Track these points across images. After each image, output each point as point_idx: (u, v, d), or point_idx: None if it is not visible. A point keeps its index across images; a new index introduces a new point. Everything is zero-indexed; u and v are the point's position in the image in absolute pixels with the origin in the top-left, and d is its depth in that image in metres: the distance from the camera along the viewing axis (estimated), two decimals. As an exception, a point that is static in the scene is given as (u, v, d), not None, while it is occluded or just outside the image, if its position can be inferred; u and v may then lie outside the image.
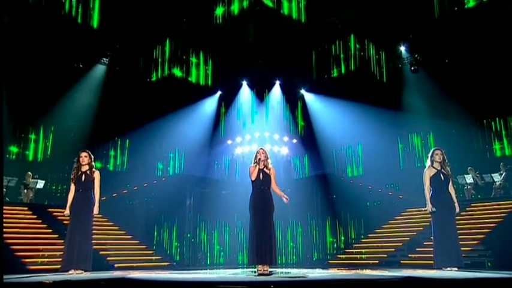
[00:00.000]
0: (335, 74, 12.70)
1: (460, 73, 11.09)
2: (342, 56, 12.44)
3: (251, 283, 4.03)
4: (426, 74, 12.00)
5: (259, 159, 5.82)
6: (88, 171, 6.01)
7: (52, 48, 10.59)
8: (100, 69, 12.25)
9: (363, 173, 13.48)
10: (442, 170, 6.04)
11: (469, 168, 10.68)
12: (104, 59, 12.19)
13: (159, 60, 12.41)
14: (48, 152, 12.08)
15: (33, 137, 11.97)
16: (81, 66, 11.76)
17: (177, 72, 12.59)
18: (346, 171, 13.89)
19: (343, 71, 12.52)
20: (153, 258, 9.75)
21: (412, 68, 12.14)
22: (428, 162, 6.17)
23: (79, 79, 11.82)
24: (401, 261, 8.81)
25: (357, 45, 12.25)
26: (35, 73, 10.46)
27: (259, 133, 14.36)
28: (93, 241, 6.13)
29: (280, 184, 6.14)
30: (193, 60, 12.88)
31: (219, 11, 11.46)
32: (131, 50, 12.16)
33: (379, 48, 12.38)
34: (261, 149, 5.99)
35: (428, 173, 6.06)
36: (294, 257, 12.22)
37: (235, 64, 12.90)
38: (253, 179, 5.81)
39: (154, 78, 12.54)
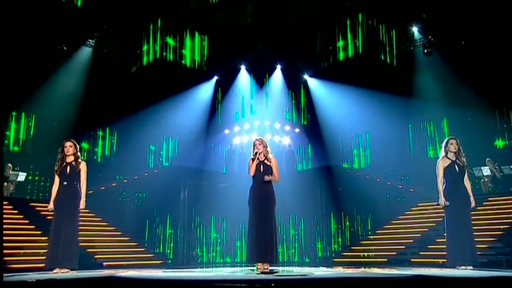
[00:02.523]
0: (341, 57, 12.61)
1: (477, 56, 11.01)
2: (349, 37, 12.34)
3: (251, 281, 4.04)
4: (440, 57, 11.92)
5: (256, 152, 5.77)
6: (73, 162, 5.98)
7: (33, 29, 10.48)
8: (86, 52, 12.14)
9: (370, 165, 13.49)
10: (457, 160, 6.03)
11: (487, 159, 10.66)
12: (90, 40, 12.09)
13: (151, 41, 12.31)
14: (30, 142, 12.06)
15: (14, 113, 11.89)
16: (65, 48, 11.66)
17: (170, 55, 12.50)
18: (352, 162, 13.89)
19: (350, 54, 12.43)
20: (145, 256, 9.79)
21: (425, 51, 12.07)
22: (442, 153, 6.16)
23: (63, 62, 11.72)
24: (412, 260, 8.85)
25: (366, 26, 12.15)
26: (13, 56, 10.35)
27: (258, 122, 14.32)
28: (80, 238, 6.14)
29: (281, 177, 6.11)
30: (188, 42, 12.78)
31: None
32: (120, 30, 12.03)
33: (390, 28, 12.28)
34: (257, 140, 5.90)
35: (442, 163, 6.05)
36: (297, 249, 12.24)
37: (233, 47, 12.80)
38: (251, 174, 5.78)
39: (145, 62, 12.46)
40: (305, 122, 14.55)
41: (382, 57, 12.20)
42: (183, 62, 12.74)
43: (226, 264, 11.34)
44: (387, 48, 12.24)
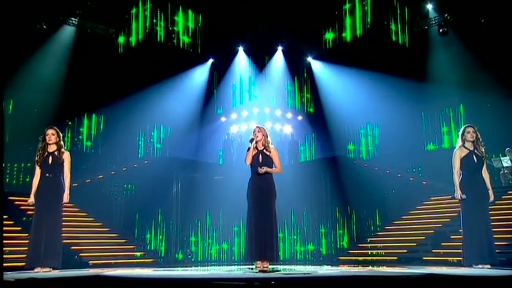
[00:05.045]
0: (348, 37, 12.52)
1: (498, 36, 10.94)
2: (357, 15, 12.24)
3: (249, 279, 4.03)
4: (457, 37, 11.85)
5: (255, 141, 5.76)
6: (56, 152, 5.95)
7: (9, 6, 10.36)
8: (68, 31, 12.05)
9: (379, 155, 13.49)
10: (475, 150, 6.01)
11: (507, 149, 10.67)
12: (73, 18, 11.99)
13: (140, 20, 12.21)
14: (8, 130, 12.01)
15: None
16: (45, 27, 11.57)
17: (161, 35, 12.41)
18: (359, 152, 13.88)
19: (358, 34, 12.34)
20: (135, 254, 9.84)
21: (441, 30, 12.00)
22: (458, 142, 6.14)
23: (43, 43, 11.63)
24: (424, 258, 8.89)
25: (376, 2, 12.05)
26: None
27: (258, 109, 14.29)
28: (63, 234, 6.14)
29: (283, 169, 6.07)
30: (180, 21, 12.68)
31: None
32: (105, 7, 11.92)
33: (402, 5, 12.18)
34: (257, 127, 5.91)
35: (458, 154, 6.03)
36: (299, 236, 12.29)
37: (230, 27, 12.70)
38: (247, 163, 5.77)
39: (133, 43, 12.37)
40: (309, 109, 14.50)
41: (394, 38, 12.11)
42: (175, 43, 12.64)
43: (223, 262, 11.39)
44: (399, 28, 12.14)
